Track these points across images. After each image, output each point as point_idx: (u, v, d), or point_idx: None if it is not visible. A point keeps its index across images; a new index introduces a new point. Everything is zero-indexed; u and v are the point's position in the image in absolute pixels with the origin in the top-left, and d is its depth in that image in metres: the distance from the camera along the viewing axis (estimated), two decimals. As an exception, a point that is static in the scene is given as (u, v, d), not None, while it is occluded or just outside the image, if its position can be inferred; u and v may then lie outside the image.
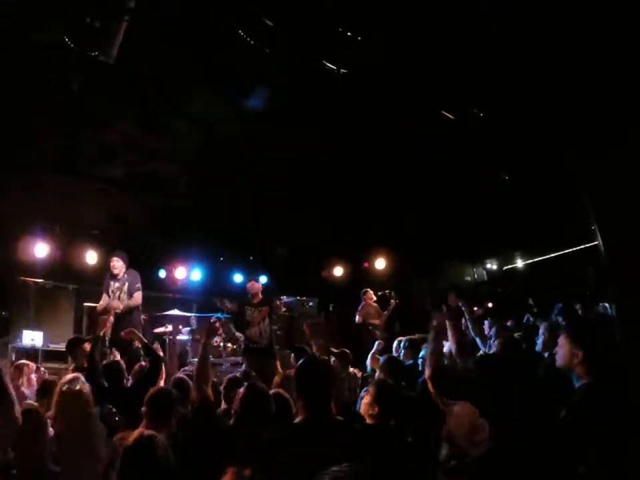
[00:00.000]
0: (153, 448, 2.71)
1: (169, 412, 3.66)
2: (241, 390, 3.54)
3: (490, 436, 2.16)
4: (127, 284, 7.63)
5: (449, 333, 4.23)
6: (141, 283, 7.72)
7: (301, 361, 3.19)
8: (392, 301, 10.28)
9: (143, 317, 9.02)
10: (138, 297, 7.58)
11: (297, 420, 2.98)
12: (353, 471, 1.45)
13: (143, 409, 3.69)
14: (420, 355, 5.70)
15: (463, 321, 5.13)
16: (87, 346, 5.71)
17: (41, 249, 9.35)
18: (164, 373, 5.48)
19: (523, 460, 1.99)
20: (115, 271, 7.67)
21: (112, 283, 7.68)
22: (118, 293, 7.60)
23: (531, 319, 8.31)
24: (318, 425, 2.85)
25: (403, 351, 6.31)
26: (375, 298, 10.23)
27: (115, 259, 7.73)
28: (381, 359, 5.55)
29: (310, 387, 2.97)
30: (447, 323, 4.16)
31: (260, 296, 8.05)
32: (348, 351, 6.86)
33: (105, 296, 7.67)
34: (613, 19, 5.13)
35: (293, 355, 7.38)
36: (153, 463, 2.67)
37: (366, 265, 12.45)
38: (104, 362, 5.66)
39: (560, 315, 7.23)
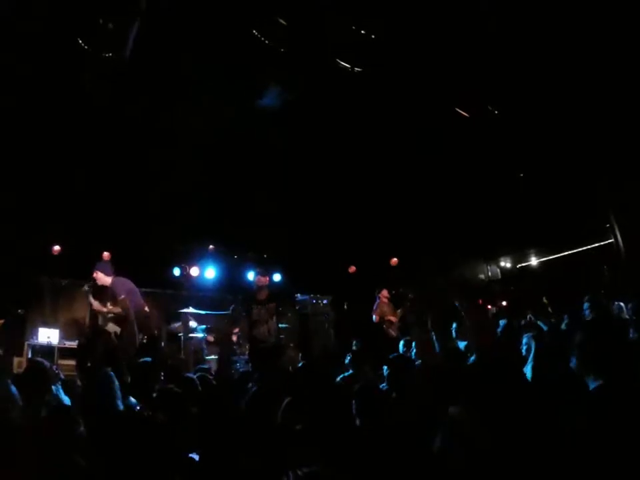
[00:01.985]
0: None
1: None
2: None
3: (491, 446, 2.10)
4: (114, 290, 7.56)
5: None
6: (127, 287, 7.60)
7: None
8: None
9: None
10: (121, 303, 7.45)
11: None
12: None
13: None
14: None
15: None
16: None
17: (57, 247, 9.41)
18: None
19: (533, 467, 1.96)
20: (99, 283, 7.66)
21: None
22: (106, 300, 7.65)
23: (532, 318, 8.13)
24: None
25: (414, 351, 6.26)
26: (389, 296, 10.18)
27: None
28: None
29: None
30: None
31: (267, 291, 7.86)
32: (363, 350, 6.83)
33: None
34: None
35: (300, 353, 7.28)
36: None
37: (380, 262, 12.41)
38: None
39: (590, 310, 7.05)
